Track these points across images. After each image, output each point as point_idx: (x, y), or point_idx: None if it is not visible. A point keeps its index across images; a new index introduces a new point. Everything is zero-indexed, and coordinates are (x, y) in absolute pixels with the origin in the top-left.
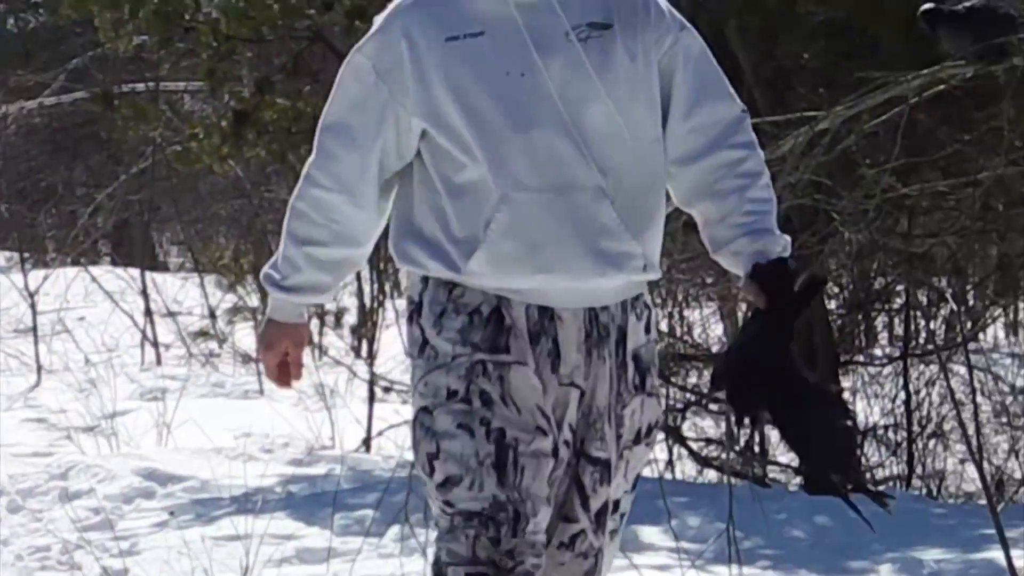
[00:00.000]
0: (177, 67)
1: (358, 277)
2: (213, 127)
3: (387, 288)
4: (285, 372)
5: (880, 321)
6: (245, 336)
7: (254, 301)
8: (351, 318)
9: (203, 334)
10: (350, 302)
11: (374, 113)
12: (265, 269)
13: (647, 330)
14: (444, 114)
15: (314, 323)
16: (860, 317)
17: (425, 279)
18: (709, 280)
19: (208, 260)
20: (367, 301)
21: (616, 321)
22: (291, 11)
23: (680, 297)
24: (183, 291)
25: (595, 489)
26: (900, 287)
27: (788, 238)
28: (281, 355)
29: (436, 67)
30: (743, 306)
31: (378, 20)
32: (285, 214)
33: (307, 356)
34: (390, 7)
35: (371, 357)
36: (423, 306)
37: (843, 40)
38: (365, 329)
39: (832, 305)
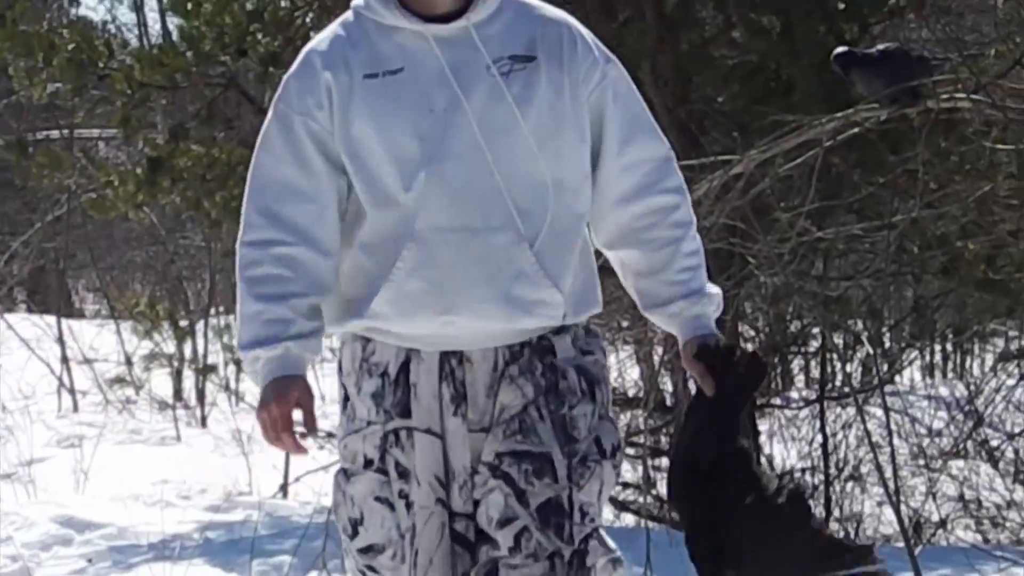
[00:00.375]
0: (91, 114)
1: None
2: (128, 174)
3: None
4: (293, 438)
5: (796, 364)
6: (161, 382)
7: (170, 348)
8: (243, 366)
9: (120, 381)
10: None
11: (315, 156)
12: (246, 345)
13: (587, 351)
14: (363, 153)
15: (231, 369)
16: (776, 360)
17: (345, 335)
18: (625, 324)
19: (124, 307)
20: None
21: (536, 344)
22: (204, 58)
23: None
24: (99, 338)
25: (530, 482)
26: (816, 330)
27: (719, 291)
28: (293, 405)
29: (356, 106)
30: (659, 350)
31: (294, 66)
32: (240, 291)
33: (224, 402)
34: (305, 49)
35: None
36: (343, 362)
37: (757, 83)
38: None
39: (748, 348)
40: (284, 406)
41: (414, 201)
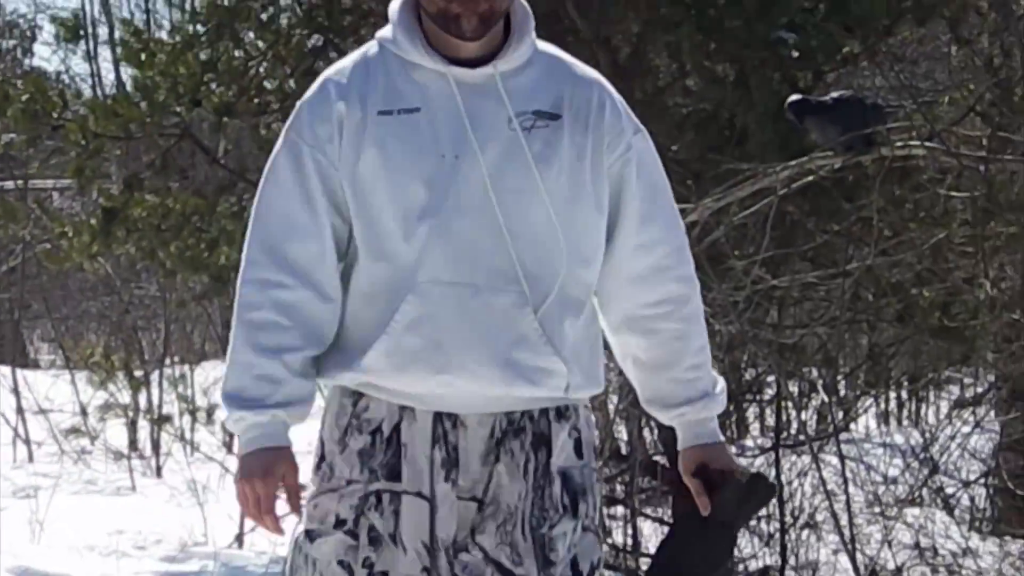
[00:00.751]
0: (46, 165)
1: None
2: (82, 225)
3: None
4: (276, 520)
5: (751, 412)
6: (116, 432)
7: (125, 398)
8: (223, 414)
9: (75, 431)
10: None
11: (320, 195)
12: (232, 397)
13: (578, 453)
14: (367, 193)
15: (186, 419)
16: (731, 408)
17: (334, 388)
18: None
19: (79, 357)
20: None
21: (535, 423)
22: (159, 108)
23: None
24: (55, 388)
25: None
26: (771, 378)
27: (723, 384)
28: (278, 484)
29: (367, 142)
30: (614, 399)
31: (309, 93)
32: (234, 333)
33: (179, 452)
34: (321, 77)
35: None
36: (327, 417)
37: (711, 132)
38: None
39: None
40: (270, 485)
41: (416, 252)
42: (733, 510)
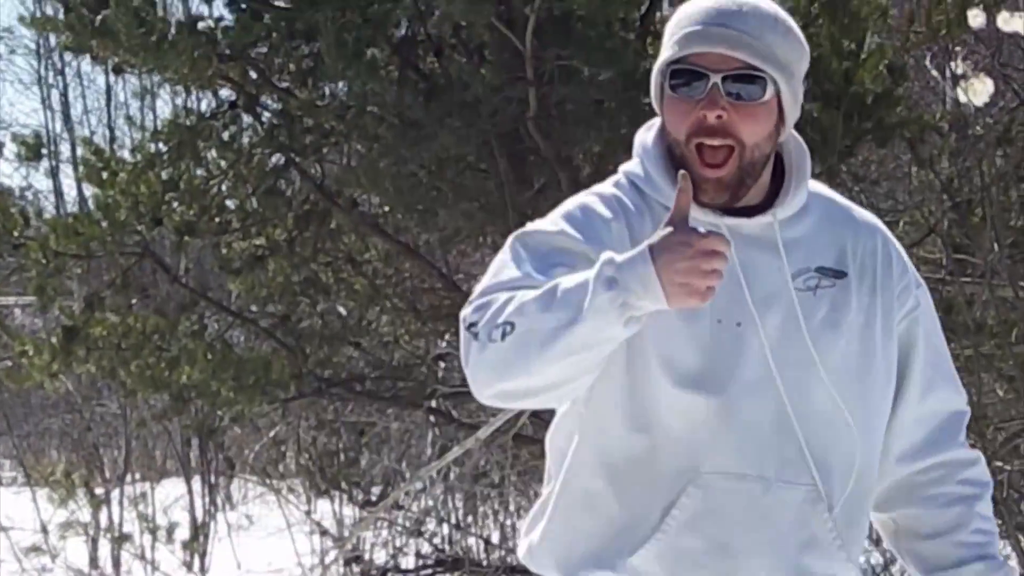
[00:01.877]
0: (7, 283)
1: (190, 491)
2: (43, 344)
3: (219, 501)
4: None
5: None
6: (77, 551)
7: (86, 516)
8: (183, 532)
9: (36, 549)
10: (181, 516)
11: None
12: (576, 303)
13: None
14: (634, 354)
15: (146, 538)
16: None
17: None
18: None
19: (40, 475)
20: (199, 515)
21: None
22: (120, 227)
23: (512, 507)
24: (15, 506)
25: None
26: None
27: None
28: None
29: None
30: None
31: (584, 199)
32: (510, 340)
33: (140, 571)
34: (594, 190)
35: (203, 571)
36: None
37: None
38: (197, 543)
39: None
40: (691, 235)
41: (694, 434)
42: None
